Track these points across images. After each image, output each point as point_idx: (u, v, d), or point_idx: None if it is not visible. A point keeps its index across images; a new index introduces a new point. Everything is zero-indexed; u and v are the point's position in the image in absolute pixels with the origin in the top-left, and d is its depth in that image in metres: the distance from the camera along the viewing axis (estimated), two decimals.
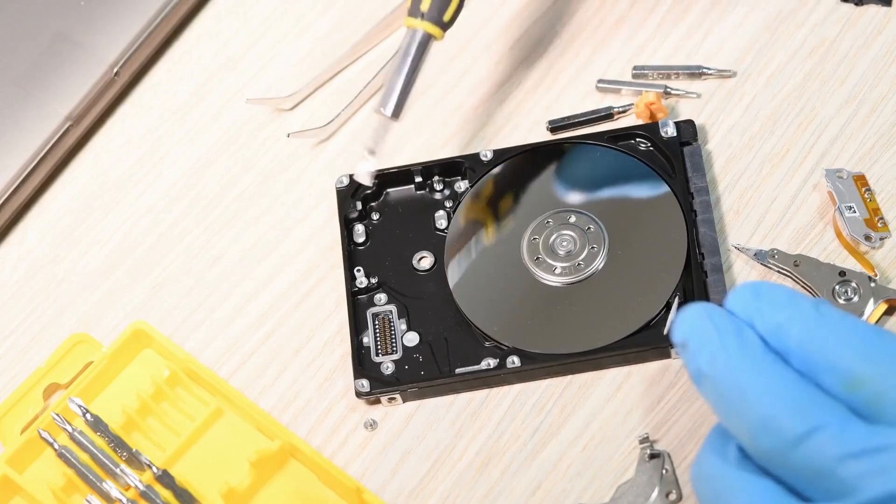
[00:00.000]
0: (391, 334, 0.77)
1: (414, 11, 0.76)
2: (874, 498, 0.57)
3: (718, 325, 0.63)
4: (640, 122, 0.81)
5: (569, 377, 0.76)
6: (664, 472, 0.72)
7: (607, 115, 0.82)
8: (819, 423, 0.58)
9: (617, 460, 0.74)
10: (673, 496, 0.72)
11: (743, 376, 0.61)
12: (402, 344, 0.77)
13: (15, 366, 0.81)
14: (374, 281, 0.79)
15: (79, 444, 0.76)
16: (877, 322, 0.74)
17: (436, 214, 0.80)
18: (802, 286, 0.75)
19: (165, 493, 0.75)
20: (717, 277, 0.75)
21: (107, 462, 0.76)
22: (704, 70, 0.82)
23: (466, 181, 0.80)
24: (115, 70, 0.86)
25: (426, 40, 0.76)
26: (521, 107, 0.83)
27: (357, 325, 0.78)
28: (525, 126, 0.83)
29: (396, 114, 0.75)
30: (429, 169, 0.81)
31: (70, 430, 0.77)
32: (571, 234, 0.77)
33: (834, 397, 0.60)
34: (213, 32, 0.89)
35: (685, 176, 0.78)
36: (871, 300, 0.73)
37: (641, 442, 0.73)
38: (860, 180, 0.77)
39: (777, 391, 0.60)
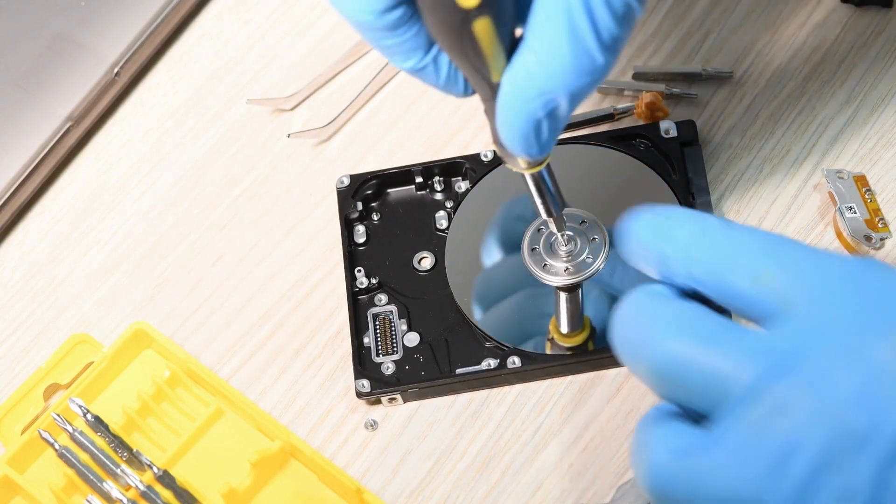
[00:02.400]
0: (392, 334, 0.77)
1: (538, 161, 0.67)
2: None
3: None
4: (641, 122, 0.81)
5: (569, 378, 0.76)
6: None
7: (608, 115, 0.82)
8: (709, 332, 0.58)
9: (617, 461, 0.74)
10: None
11: (642, 312, 0.61)
12: (403, 344, 0.77)
13: (15, 366, 0.81)
14: (374, 281, 0.79)
15: (79, 444, 0.76)
16: None
17: (436, 215, 0.80)
18: None
19: (166, 494, 0.75)
20: None
21: (107, 462, 0.76)
22: (705, 71, 0.82)
23: (467, 181, 0.80)
24: (115, 70, 0.86)
25: (550, 170, 0.70)
26: None
27: (358, 326, 0.78)
28: None
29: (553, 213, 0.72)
30: (429, 169, 0.81)
31: (71, 430, 0.77)
32: (572, 234, 0.77)
33: (732, 295, 0.59)
34: (213, 33, 0.89)
35: (686, 176, 0.78)
36: None
37: None
38: (861, 181, 0.77)
39: (668, 314, 0.60)
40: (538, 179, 0.68)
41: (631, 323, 0.61)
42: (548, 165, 0.68)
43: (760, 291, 0.58)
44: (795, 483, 0.54)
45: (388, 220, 0.81)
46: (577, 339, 0.76)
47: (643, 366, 0.60)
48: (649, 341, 0.59)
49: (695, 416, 0.60)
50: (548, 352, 0.76)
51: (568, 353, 0.76)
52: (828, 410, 0.54)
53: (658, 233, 0.62)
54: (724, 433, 0.56)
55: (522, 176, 0.68)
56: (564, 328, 0.76)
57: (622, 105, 0.82)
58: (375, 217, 0.81)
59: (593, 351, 0.75)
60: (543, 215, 0.71)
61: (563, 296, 0.76)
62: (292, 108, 0.86)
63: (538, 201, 0.70)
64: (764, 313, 0.58)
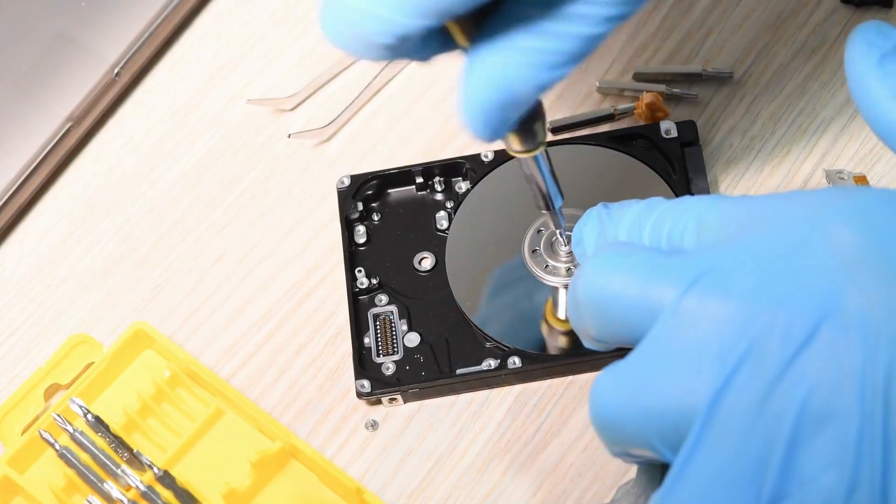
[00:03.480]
0: (392, 335, 0.77)
1: (532, 146, 0.67)
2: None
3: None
4: (641, 123, 0.81)
5: (570, 378, 0.76)
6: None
7: (608, 116, 0.82)
8: (635, 261, 0.60)
9: (618, 461, 0.74)
10: None
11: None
12: (403, 344, 0.77)
13: (16, 366, 0.81)
14: (374, 281, 0.79)
15: (80, 444, 0.76)
16: None
17: (437, 215, 0.80)
18: None
19: (166, 494, 0.75)
20: None
21: (108, 463, 0.76)
22: (705, 71, 0.82)
23: (467, 182, 0.81)
24: (115, 71, 0.86)
25: (547, 155, 0.69)
26: None
27: (358, 326, 0.78)
28: None
29: (551, 206, 0.72)
30: (430, 170, 0.81)
31: (71, 430, 0.77)
32: (572, 234, 0.77)
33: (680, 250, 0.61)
34: (213, 33, 0.89)
35: (686, 177, 0.78)
36: None
37: None
38: (861, 181, 0.77)
39: (598, 253, 0.62)
40: (535, 166, 0.68)
41: (573, 281, 0.63)
42: (546, 153, 0.68)
43: (702, 241, 0.59)
44: (717, 384, 0.55)
45: (389, 221, 0.81)
46: None
47: (585, 313, 0.61)
48: (580, 283, 0.61)
49: None
50: (544, 334, 0.76)
51: (568, 349, 0.76)
52: (750, 313, 0.56)
53: (605, 222, 0.64)
54: (651, 346, 0.58)
55: (520, 164, 0.68)
56: (562, 314, 0.76)
57: (622, 105, 0.82)
58: (376, 217, 0.81)
59: (594, 351, 0.75)
60: (541, 208, 0.71)
61: (562, 289, 0.77)
62: (293, 109, 0.86)
63: (535, 191, 0.70)
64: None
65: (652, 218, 0.63)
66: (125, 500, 0.75)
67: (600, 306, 0.60)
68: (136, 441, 0.77)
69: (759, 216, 0.59)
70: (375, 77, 0.85)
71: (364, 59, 0.61)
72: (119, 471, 0.75)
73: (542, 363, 0.75)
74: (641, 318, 0.59)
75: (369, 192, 0.81)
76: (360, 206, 0.81)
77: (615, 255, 0.61)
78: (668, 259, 0.59)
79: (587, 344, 0.65)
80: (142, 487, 0.75)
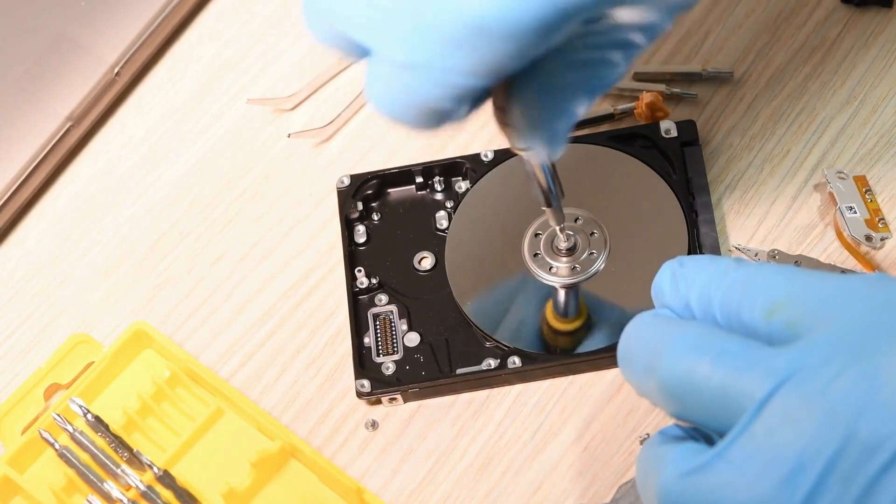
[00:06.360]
0: (392, 334, 0.77)
1: None
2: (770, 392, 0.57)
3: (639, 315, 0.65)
4: (641, 122, 0.81)
5: (570, 378, 0.76)
6: None
7: (608, 115, 0.82)
8: (722, 349, 0.59)
9: (618, 461, 0.74)
10: None
11: (653, 332, 0.62)
12: (403, 344, 0.77)
13: (16, 366, 0.81)
14: (374, 281, 0.79)
15: (79, 444, 0.76)
16: None
17: (437, 215, 0.80)
18: None
19: (166, 494, 0.75)
20: None
21: (108, 462, 0.76)
22: (705, 71, 0.82)
23: (467, 181, 0.81)
24: (115, 70, 0.86)
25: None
26: None
27: (358, 326, 0.78)
28: None
29: (552, 203, 0.72)
30: (429, 169, 0.81)
31: (71, 430, 0.77)
32: (572, 234, 0.77)
33: (748, 333, 0.60)
34: (213, 32, 0.89)
35: (686, 176, 0.78)
36: None
37: (642, 442, 0.73)
38: (861, 181, 0.77)
39: (681, 334, 0.61)
40: (538, 162, 0.68)
41: (640, 342, 0.62)
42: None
43: (772, 324, 0.59)
44: (805, 494, 0.55)
45: (389, 220, 0.81)
46: (575, 324, 0.76)
47: (655, 384, 0.60)
48: (663, 359, 0.60)
49: (704, 435, 0.61)
50: (545, 335, 0.76)
51: (568, 348, 0.76)
52: (835, 421, 0.55)
53: (678, 280, 0.63)
54: (733, 449, 0.57)
55: (523, 161, 0.68)
56: (563, 315, 0.76)
57: (622, 105, 0.82)
58: (376, 217, 0.81)
59: (593, 351, 0.75)
60: (543, 205, 0.71)
61: (562, 290, 0.77)
62: (292, 108, 0.86)
63: (538, 188, 0.70)
64: (774, 336, 0.59)
65: (723, 287, 0.61)
66: (125, 500, 0.75)
67: (681, 391, 0.59)
68: (135, 441, 0.77)
69: (832, 303, 0.58)
70: None
71: (413, 128, 0.61)
72: (119, 470, 0.75)
73: (541, 363, 0.75)
74: (720, 410, 0.58)
75: (369, 192, 0.81)
76: (360, 206, 0.81)
77: (698, 342, 0.60)
78: (750, 353, 0.58)
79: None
80: (142, 487, 0.75)
